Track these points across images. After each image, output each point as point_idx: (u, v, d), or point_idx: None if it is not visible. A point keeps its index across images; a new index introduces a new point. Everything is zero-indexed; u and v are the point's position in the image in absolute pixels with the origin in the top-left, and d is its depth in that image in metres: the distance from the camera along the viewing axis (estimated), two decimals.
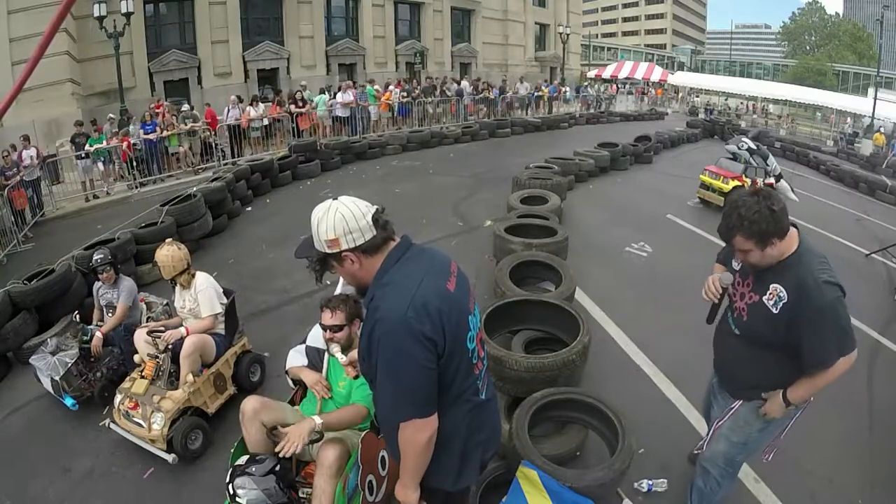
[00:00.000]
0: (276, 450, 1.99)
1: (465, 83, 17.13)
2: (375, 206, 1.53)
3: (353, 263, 1.50)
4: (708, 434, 2.37)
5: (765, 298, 1.93)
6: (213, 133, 10.77)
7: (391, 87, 14.44)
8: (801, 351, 1.87)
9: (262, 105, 12.01)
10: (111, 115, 10.72)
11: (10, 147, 8.41)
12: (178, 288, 3.48)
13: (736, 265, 2.12)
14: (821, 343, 1.83)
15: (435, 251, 1.65)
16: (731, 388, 2.25)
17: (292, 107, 12.07)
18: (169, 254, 3.33)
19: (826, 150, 19.39)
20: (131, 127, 10.02)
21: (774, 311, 1.90)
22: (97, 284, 3.93)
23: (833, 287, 1.80)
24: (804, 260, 1.87)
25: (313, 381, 2.44)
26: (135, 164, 9.61)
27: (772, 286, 1.91)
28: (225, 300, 3.54)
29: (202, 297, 3.39)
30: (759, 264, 1.91)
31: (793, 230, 1.90)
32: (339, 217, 1.45)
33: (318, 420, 2.13)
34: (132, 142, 9.51)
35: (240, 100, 11.63)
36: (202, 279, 3.44)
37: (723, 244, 2.24)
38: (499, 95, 17.01)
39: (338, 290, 2.55)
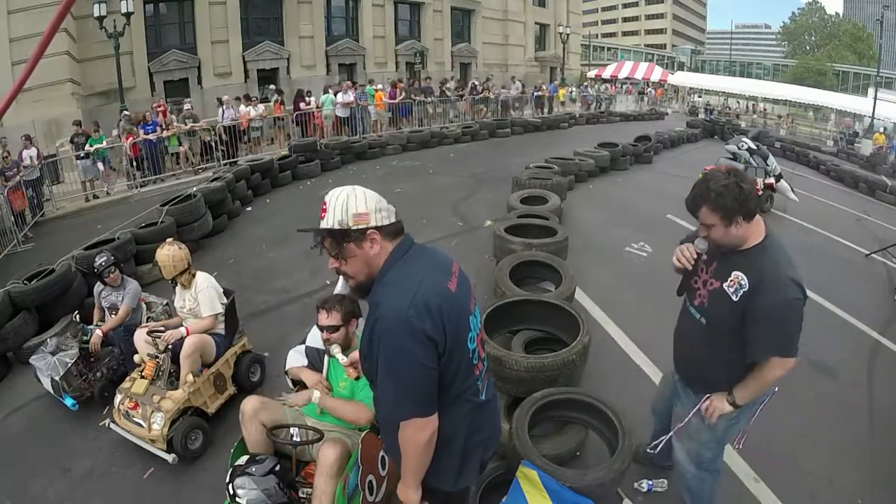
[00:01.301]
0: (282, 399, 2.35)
1: (474, 82, 17.28)
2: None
3: (373, 245, 1.47)
4: (672, 431, 2.29)
5: (725, 285, 1.91)
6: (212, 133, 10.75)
7: (382, 86, 14.46)
8: (746, 337, 1.87)
9: (261, 105, 12.02)
10: (126, 112, 10.75)
11: (6, 150, 8.40)
12: (178, 288, 3.48)
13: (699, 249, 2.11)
14: (766, 335, 1.82)
15: (436, 251, 1.64)
16: (698, 384, 2.17)
17: (301, 104, 12.08)
18: (170, 254, 3.33)
19: (826, 150, 19.39)
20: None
21: (734, 298, 1.88)
22: (98, 287, 3.92)
23: (795, 287, 1.79)
24: (770, 252, 1.87)
25: (314, 381, 2.45)
26: (135, 164, 9.62)
27: (734, 273, 1.89)
28: (225, 300, 3.54)
29: (202, 296, 3.39)
30: (720, 242, 1.90)
31: (760, 220, 1.90)
32: (371, 195, 1.47)
33: (316, 394, 2.29)
34: (132, 141, 9.52)
35: (220, 102, 11.55)
36: (202, 279, 3.44)
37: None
38: (502, 94, 17.08)
39: (337, 290, 2.55)
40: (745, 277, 1.86)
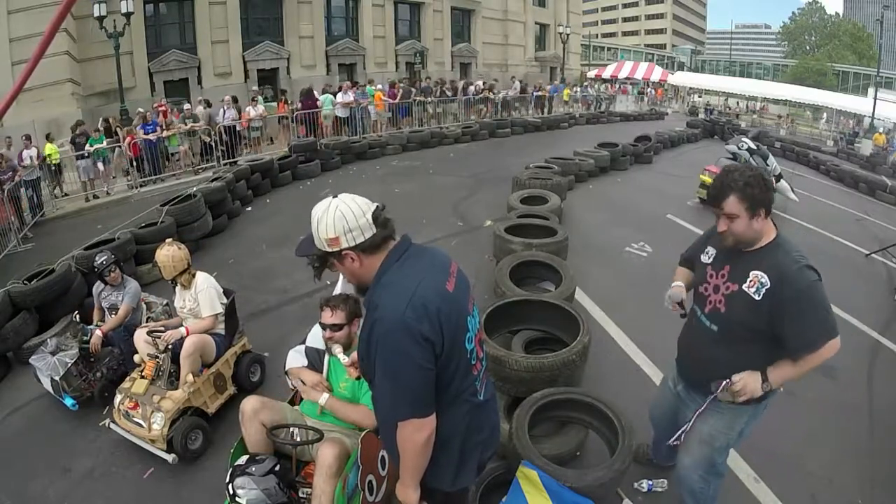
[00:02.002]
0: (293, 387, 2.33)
1: (476, 83, 17.40)
2: (376, 204, 1.52)
3: (354, 262, 1.49)
4: (686, 426, 2.20)
5: (745, 286, 1.90)
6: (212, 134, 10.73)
7: (381, 86, 14.48)
8: (785, 336, 1.85)
9: (261, 105, 12.02)
10: (140, 110, 10.79)
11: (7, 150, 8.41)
12: (178, 288, 3.47)
13: (706, 258, 2.08)
14: (806, 326, 1.82)
15: (435, 250, 1.64)
16: (709, 391, 2.08)
17: (317, 103, 12.20)
18: (169, 254, 3.33)
19: (826, 150, 19.39)
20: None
21: (757, 297, 1.86)
22: (98, 287, 3.92)
23: (812, 271, 1.82)
24: (783, 248, 1.89)
25: (314, 381, 2.45)
26: (135, 164, 9.62)
27: (752, 273, 1.88)
28: (225, 300, 3.54)
29: (202, 297, 3.38)
30: (741, 237, 1.89)
31: (769, 219, 1.92)
32: (339, 215, 1.44)
33: (325, 396, 2.30)
34: (130, 141, 9.53)
35: (208, 104, 11.46)
36: (202, 279, 3.44)
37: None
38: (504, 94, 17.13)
39: (337, 290, 2.55)
40: (764, 275, 1.85)
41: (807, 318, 1.81)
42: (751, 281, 1.88)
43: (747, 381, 1.93)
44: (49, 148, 8.99)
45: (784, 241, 1.92)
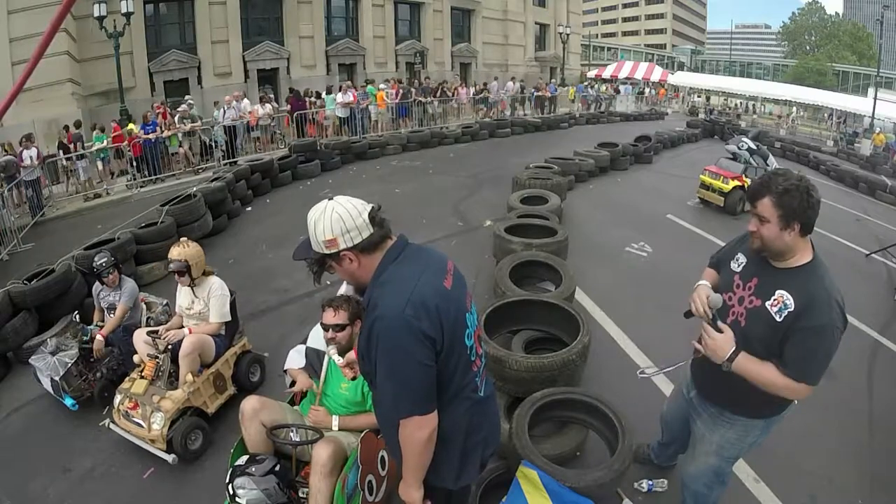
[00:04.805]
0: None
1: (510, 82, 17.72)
2: (371, 205, 1.53)
3: (352, 262, 1.50)
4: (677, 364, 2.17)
5: (768, 304, 1.79)
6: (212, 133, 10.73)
7: (384, 87, 14.50)
8: (783, 356, 1.77)
9: (269, 105, 12.04)
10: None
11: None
12: (185, 288, 3.39)
13: (735, 266, 1.97)
14: (805, 358, 1.73)
15: (431, 250, 1.65)
16: (723, 402, 2.06)
17: (315, 102, 12.31)
18: (197, 250, 3.31)
19: (826, 150, 19.37)
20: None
21: (778, 318, 1.76)
22: (97, 287, 3.91)
23: (840, 314, 1.72)
24: (819, 273, 1.77)
25: (305, 385, 2.50)
26: (135, 164, 9.62)
27: (778, 292, 1.78)
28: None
29: (215, 301, 3.35)
30: (768, 244, 1.78)
31: (809, 240, 1.81)
32: (336, 216, 1.45)
33: (335, 422, 2.30)
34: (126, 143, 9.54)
35: (197, 104, 11.50)
36: (218, 284, 3.41)
37: (719, 245, 2.21)
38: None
39: (341, 291, 2.55)
40: (790, 297, 1.75)
41: (805, 350, 1.73)
42: (775, 300, 1.78)
43: (719, 345, 1.84)
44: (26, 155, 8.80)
45: (820, 267, 1.79)
